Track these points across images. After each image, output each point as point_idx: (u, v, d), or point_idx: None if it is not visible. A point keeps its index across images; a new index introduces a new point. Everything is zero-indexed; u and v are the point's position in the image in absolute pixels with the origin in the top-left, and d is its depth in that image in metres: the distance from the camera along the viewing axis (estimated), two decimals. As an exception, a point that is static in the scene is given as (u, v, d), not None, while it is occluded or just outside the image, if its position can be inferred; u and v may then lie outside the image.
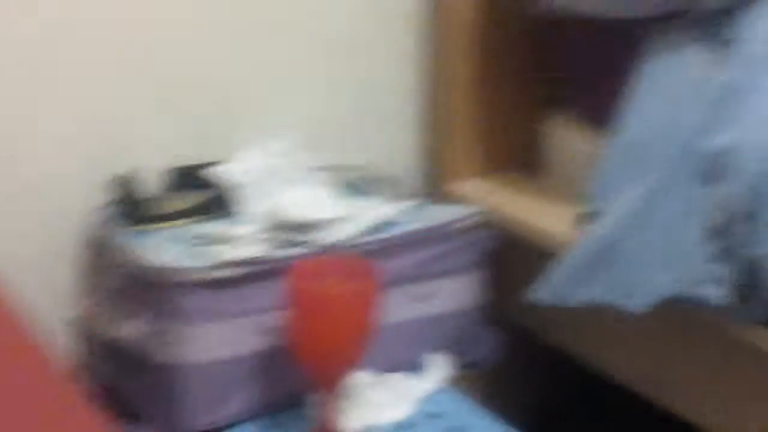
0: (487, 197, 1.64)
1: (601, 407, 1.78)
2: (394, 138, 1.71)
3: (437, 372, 1.47)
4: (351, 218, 1.42)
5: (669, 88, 1.35)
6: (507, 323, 1.59)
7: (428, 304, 1.48)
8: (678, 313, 1.33)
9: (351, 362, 1.30)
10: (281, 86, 1.60)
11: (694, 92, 1.31)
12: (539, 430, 1.65)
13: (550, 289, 1.40)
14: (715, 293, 1.26)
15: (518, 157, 1.71)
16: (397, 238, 1.44)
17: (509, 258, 1.70)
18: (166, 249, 1.36)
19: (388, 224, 1.46)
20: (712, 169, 1.27)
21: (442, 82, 1.68)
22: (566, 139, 1.62)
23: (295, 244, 1.38)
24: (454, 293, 1.50)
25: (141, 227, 1.42)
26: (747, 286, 1.24)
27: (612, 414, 1.75)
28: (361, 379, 1.38)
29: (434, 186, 1.72)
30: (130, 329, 1.37)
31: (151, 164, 1.50)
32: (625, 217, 1.33)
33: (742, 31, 1.30)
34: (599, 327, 1.50)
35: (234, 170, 1.49)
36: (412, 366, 1.47)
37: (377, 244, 1.42)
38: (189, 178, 1.50)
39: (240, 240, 1.37)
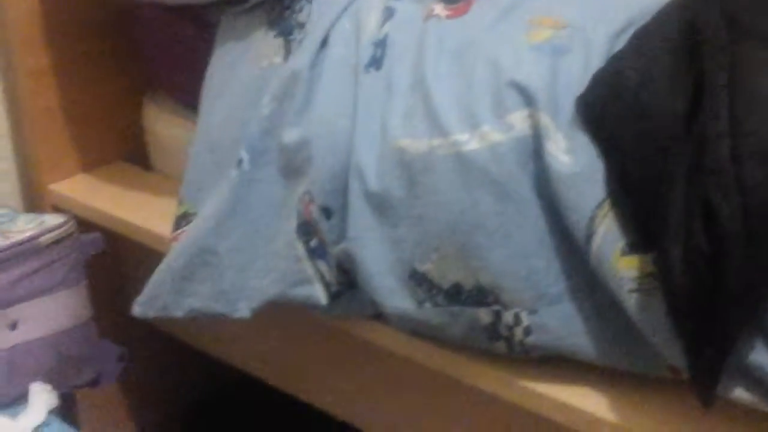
0: (90, 196, 1.50)
1: (251, 405, 1.71)
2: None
3: (41, 403, 1.32)
4: None
5: (240, 77, 1.26)
6: (139, 329, 1.47)
7: (23, 330, 1.33)
8: (292, 311, 1.25)
9: None
10: None
11: (262, 82, 1.22)
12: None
13: (151, 300, 1.29)
14: (312, 293, 1.18)
15: (124, 148, 1.58)
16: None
17: (123, 260, 1.59)
18: None
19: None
20: (291, 163, 1.19)
21: (14, 78, 1.51)
22: (164, 127, 1.50)
23: None
24: (53, 312, 1.36)
25: None
26: (343, 282, 1.18)
27: (265, 411, 1.68)
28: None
29: (33, 188, 1.56)
30: None
31: None
32: (214, 217, 1.23)
33: (304, 15, 1.22)
34: (224, 324, 1.41)
35: None
36: (14, 401, 1.32)
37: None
38: None
39: None
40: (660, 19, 1.01)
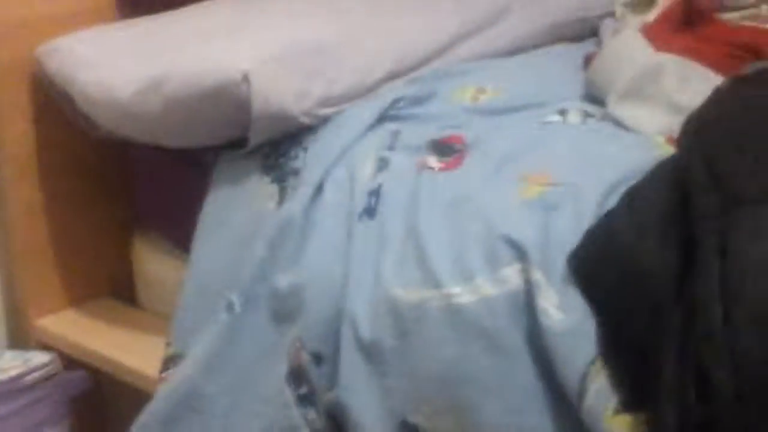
0: (76, 333, 1.50)
1: None
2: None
3: None
4: None
5: (233, 220, 1.27)
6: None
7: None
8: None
9: None
10: None
11: (256, 227, 1.23)
12: None
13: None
14: (300, 442, 1.18)
15: (112, 284, 1.58)
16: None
17: (109, 400, 1.57)
18: None
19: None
20: (283, 309, 1.19)
21: (5, 213, 1.52)
22: (153, 265, 1.51)
23: None
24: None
25: None
26: (331, 431, 1.17)
27: None
28: None
29: (19, 323, 1.55)
30: None
31: None
32: (203, 361, 1.23)
33: (299, 162, 1.24)
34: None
35: None
36: None
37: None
38: None
39: None
40: (652, 178, 1.03)
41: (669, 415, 0.89)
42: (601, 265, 1.00)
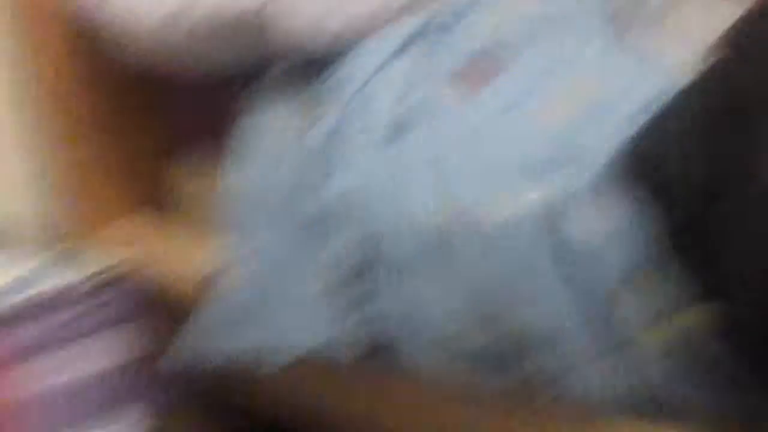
0: (133, 241, 1.55)
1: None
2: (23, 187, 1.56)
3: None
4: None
5: (260, 148, 1.32)
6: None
7: (78, 367, 1.40)
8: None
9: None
10: None
11: (282, 154, 1.28)
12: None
13: (181, 351, 1.35)
14: (342, 351, 1.24)
15: (155, 200, 1.62)
16: (23, 306, 1.35)
17: (166, 305, 1.62)
18: None
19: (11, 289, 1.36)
20: (324, 222, 1.24)
21: (48, 129, 1.55)
22: (194, 183, 1.57)
23: None
24: (105, 350, 1.43)
25: None
26: (373, 341, 1.23)
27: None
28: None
29: (78, 231, 1.58)
30: None
31: None
32: (246, 274, 1.30)
33: (322, 91, 1.28)
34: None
35: None
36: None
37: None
38: None
39: None
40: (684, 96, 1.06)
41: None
42: (649, 164, 1.02)
